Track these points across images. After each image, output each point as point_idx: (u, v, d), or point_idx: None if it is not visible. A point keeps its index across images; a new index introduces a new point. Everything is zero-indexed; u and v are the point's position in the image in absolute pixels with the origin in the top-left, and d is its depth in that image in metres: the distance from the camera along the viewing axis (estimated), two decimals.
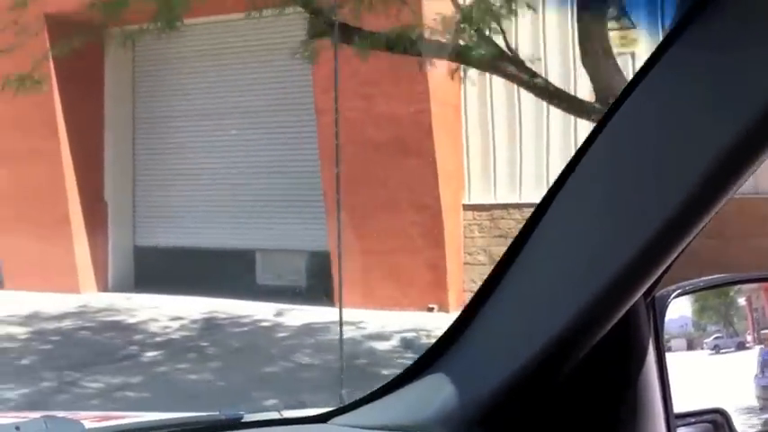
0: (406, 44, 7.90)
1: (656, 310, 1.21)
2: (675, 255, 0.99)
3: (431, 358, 1.27)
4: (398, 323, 9.83)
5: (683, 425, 1.33)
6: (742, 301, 1.50)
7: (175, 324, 10.13)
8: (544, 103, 10.45)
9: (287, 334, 9.50)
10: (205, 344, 9.12)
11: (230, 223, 13.19)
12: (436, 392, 1.21)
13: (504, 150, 11.33)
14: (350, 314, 8.56)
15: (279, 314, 10.60)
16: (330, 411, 1.37)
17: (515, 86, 10.57)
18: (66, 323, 10.49)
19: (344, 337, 7.21)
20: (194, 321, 10.29)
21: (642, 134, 0.97)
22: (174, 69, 13.58)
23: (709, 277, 1.43)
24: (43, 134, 12.88)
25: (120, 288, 13.31)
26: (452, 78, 10.74)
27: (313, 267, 12.24)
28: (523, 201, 10.96)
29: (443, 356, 1.25)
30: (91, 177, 13.44)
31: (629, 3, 10.00)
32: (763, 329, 1.50)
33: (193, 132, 13.47)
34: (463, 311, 1.21)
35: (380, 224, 10.90)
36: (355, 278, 10.33)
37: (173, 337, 9.58)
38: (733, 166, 0.88)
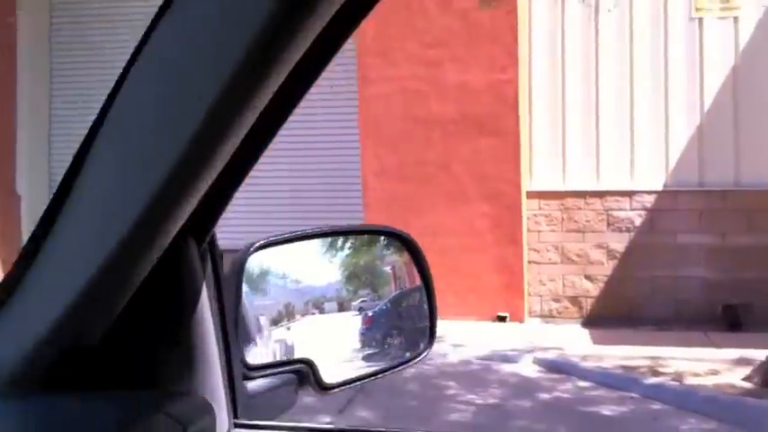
0: None
1: (216, 258, 1.23)
2: (193, 203, 1.05)
3: None
4: (461, 336, 8.06)
5: (263, 375, 1.33)
6: (388, 269, 1.64)
7: None
8: (628, 61, 9.06)
9: None
10: None
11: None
12: None
13: (579, 121, 9.50)
14: None
15: None
16: None
17: (593, 34, 9.19)
18: None
19: None
20: None
21: (140, 117, 1.03)
22: (111, 31, 10.81)
23: (291, 232, 1.47)
24: None
25: None
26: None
27: None
28: (604, 187, 9.36)
29: None
30: (2, 164, 10.51)
31: None
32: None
33: None
34: (8, 274, 1.15)
35: (439, 217, 8.96)
36: None
37: None
38: (199, 154, 0.98)
